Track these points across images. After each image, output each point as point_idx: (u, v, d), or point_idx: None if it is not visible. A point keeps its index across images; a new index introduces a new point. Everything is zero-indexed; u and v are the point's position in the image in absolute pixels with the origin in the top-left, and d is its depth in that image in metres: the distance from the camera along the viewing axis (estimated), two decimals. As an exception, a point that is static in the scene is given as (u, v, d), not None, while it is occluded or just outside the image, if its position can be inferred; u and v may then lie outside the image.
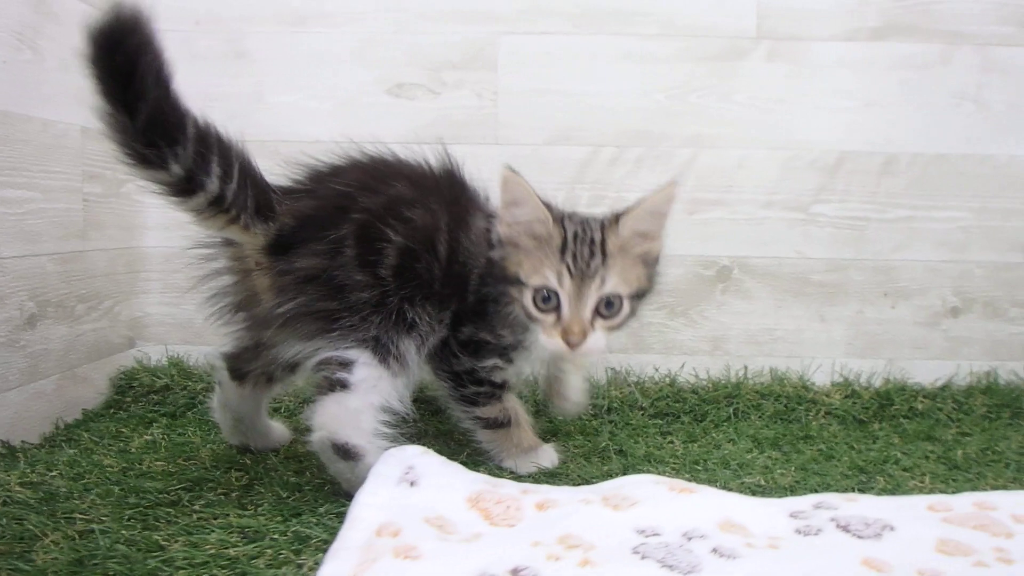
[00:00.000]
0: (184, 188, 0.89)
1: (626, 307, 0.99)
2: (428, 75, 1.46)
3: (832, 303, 1.48)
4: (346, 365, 0.95)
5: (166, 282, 1.49)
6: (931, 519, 0.84)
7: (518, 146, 1.45)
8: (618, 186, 1.46)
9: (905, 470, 1.08)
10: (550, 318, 0.97)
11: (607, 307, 0.97)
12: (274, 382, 1.11)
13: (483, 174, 1.07)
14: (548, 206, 0.99)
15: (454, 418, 1.11)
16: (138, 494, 0.95)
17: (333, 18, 1.45)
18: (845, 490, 1.00)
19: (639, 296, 1.01)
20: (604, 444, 1.17)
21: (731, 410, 1.32)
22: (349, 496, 0.87)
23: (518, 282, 0.98)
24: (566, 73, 1.45)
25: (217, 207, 0.92)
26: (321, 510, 0.91)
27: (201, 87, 1.41)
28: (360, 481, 0.91)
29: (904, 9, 1.45)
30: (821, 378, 1.44)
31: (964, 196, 1.46)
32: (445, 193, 1.02)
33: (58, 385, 1.24)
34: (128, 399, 1.35)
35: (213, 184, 0.90)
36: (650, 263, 1.02)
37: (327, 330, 0.95)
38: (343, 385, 0.94)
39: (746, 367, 1.45)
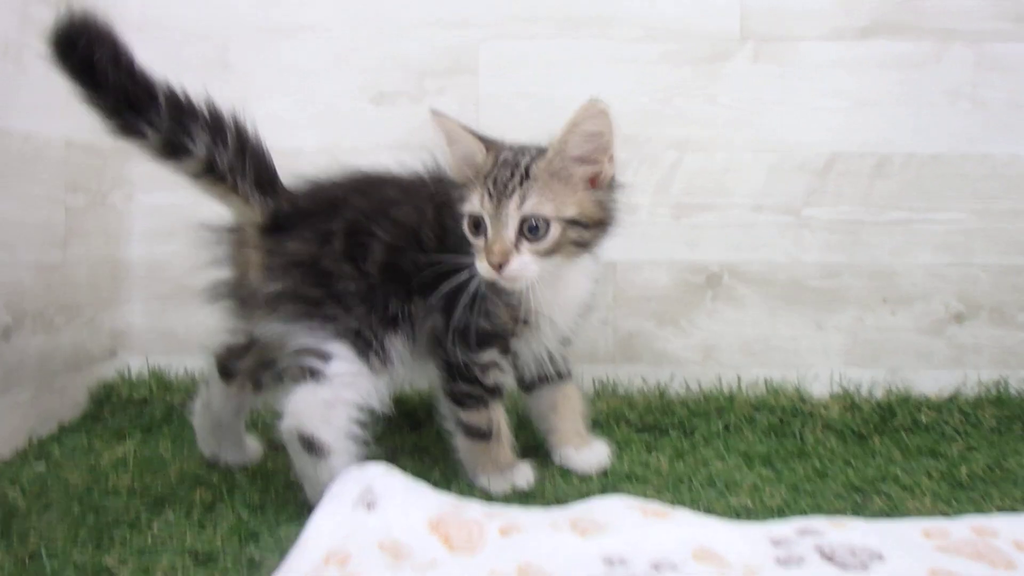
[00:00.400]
0: (169, 152, 0.93)
1: (555, 230, 0.93)
2: (410, 82, 1.41)
3: (829, 310, 1.38)
4: (323, 356, 0.93)
5: (150, 291, 1.45)
6: (924, 547, 0.75)
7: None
8: (603, 192, 1.38)
9: (904, 489, 0.98)
10: (480, 242, 0.94)
11: (532, 231, 0.92)
12: (260, 389, 1.08)
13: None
14: (487, 140, 0.99)
15: (439, 415, 1.04)
16: (98, 513, 0.91)
17: (315, 28, 1.42)
18: (838, 511, 0.92)
19: (586, 225, 0.95)
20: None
21: (722, 424, 1.23)
22: (311, 507, 0.83)
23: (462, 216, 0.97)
24: (548, 78, 1.39)
25: (212, 173, 0.95)
26: (280, 532, 0.87)
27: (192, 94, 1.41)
28: (323, 484, 0.89)
29: (893, 6, 1.37)
30: (819, 389, 1.34)
31: (964, 197, 1.37)
32: (432, 191, 1.01)
33: (34, 397, 1.20)
34: (106, 411, 1.31)
35: (200, 149, 0.93)
36: (601, 189, 0.96)
37: (309, 314, 0.95)
38: (317, 375, 0.93)
39: (739, 378, 1.36)
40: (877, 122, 1.37)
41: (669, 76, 1.38)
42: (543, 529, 0.79)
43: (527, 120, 1.37)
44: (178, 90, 0.93)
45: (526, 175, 0.93)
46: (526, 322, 0.99)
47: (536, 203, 0.92)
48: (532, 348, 1.03)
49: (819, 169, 1.38)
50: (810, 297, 1.38)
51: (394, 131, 1.40)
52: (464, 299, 0.95)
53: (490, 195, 0.93)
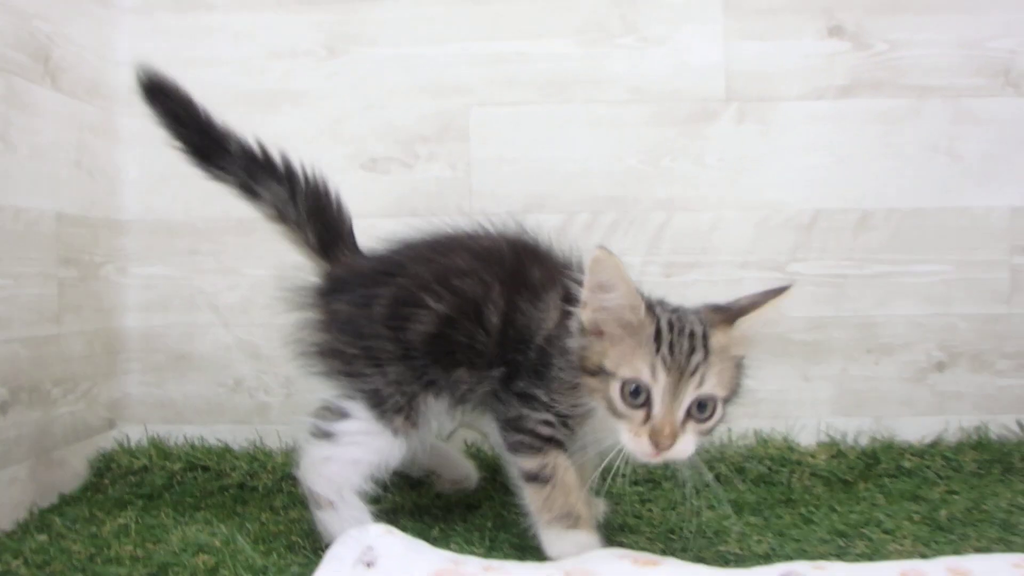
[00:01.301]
0: (246, 194, 1.12)
1: (720, 411, 0.93)
2: (401, 148, 1.51)
3: (815, 361, 1.49)
4: (336, 414, 1.04)
5: (146, 362, 1.52)
6: None
7: (494, 215, 1.48)
8: (594, 251, 1.50)
9: (886, 532, 1.08)
10: (639, 415, 0.90)
11: (700, 409, 0.91)
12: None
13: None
14: (644, 296, 0.94)
15: (506, 479, 1.09)
16: None
17: (304, 97, 1.52)
18: (823, 555, 1.00)
19: (726, 401, 0.95)
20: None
21: (714, 474, 1.31)
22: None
23: (602, 372, 0.92)
24: (537, 141, 1.50)
25: (283, 222, 1.12)
26: None
27: (178, 169, 1.42)
28: (327, 534, 1.00)
29: (872, 65, 1.49)
30: (806, 438, 1.44)
31: (943, 249, 1.49)
32: (509, 264, 1.04)
33: (32, 470, 1.24)
34: (106, 481, 1.36)
35: (267, 197, 1.11)
36: (742, 367, 0.97)
37: (339, 370, 1.05)
38: (323, 433, 1.03)
39: (730, 429, 1.45)
40: (859, 178, 1.49)
41: (656, 138, 1.50)
42: (537, 581, 0.85)
43: (518, 183, 1.50)
44: (258, 145, 1.12)
45: (705, 348, 0.91)
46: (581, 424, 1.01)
47: (714, 383, 0.90)
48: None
49: (804, 225, 1.49)
50: (797, 350, 1.49)
51: (386, 196, 1.50)
52: (538, 384, 0.98)
53: (666, 367, 0.89)
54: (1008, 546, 1.00)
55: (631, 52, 1.51)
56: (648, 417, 0.90)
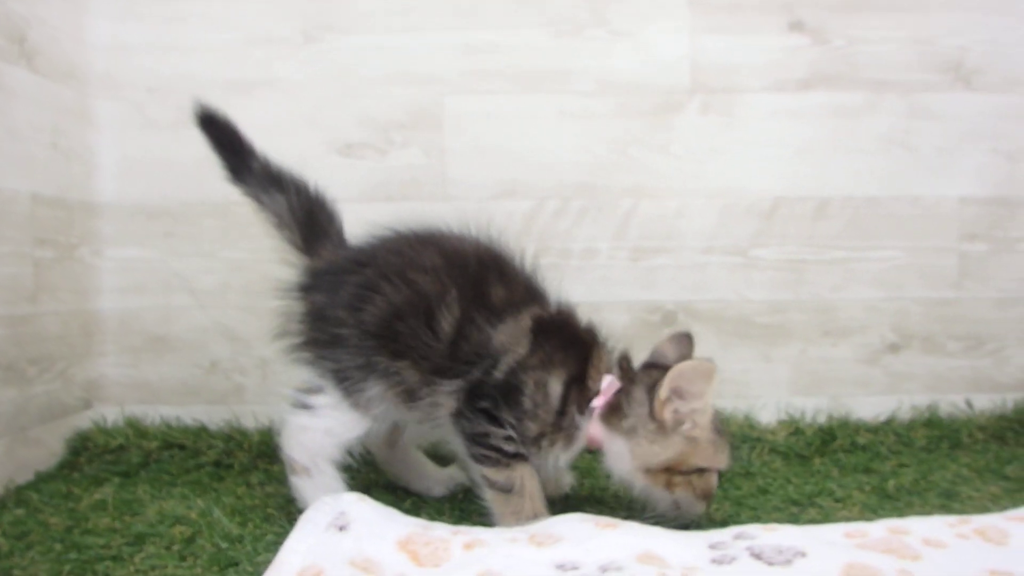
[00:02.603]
0: (255, 202, 1.21)
1: None
2: (376, 135, 1.54)
3: (776, 343, 1.54)
4: (312, 390, 1.10)
5: (123, 344, 1.53)
6: (844, 545, 0.87)
7: (466, 201, 1.52)
8: (564, 237, 1.54)
9: (837, 501, 1.12)
10: (710, 489, 1.06)
11: None
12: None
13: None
14: None
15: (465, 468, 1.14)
16: (80, 550, 0.98)
17: (280, 83, 1.53)
18: (776, 521, 1.03)
19: None
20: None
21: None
22: None
23: (699, 470, 1.03)
24: (509, 130, 1.54)
25: (280, 228, 1.19)
26: (259, 559, 0.94)
27: (155, 152, 1.52)
28: (303, 500, 1.05)
29: (831, 60, 1.55)
30: (767, 416, 1.50)
31: (897, 236, 1.54)
32: (471, 273, 1.08)
33: (8, 447, 1.25)
34: (82, 459, 1.37)
35: (270, 204, 1.19)
36: None
37: (315, 355, 1.10)
38: (303, 406, 1.10)
39: (694, 409, 1.51)
40: (817, 168, 1.55)
41: (623, 128, 1.54)
42: (503, 543, 0.89)
43: (491, 170, 1.53)
44: (272, 165, 1.21)
45: None
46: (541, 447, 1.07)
47: None
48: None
49: (765, 212, 1.55)
50: (758, 332, 1.54)
51: (361, 182, 1.52)
52: (506, 410, 1.04)
53: (731, 448, 1.06)
54: (948, 512, 1.06)
55: (600, 44, 1.55)
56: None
